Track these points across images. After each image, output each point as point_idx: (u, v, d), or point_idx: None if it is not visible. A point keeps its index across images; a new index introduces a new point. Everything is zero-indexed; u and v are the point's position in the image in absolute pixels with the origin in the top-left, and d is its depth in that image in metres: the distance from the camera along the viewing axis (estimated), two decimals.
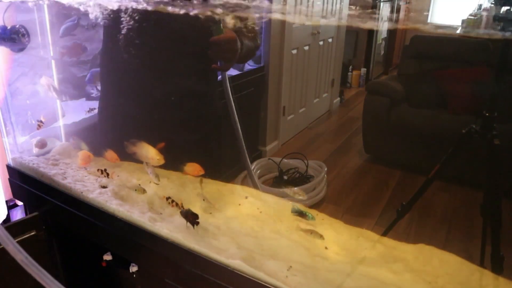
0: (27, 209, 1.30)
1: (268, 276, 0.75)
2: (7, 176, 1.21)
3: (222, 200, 1.02)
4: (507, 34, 0.72)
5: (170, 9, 0.80)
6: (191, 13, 0.81)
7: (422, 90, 3.14)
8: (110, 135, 1.26)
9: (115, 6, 0.98)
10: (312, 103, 4.00)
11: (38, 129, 1.18)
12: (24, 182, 1.16)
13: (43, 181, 1.09)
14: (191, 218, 0.88)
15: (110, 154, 1.12)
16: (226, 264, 0.79)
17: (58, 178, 1.07)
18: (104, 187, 1.04)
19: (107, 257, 1.07)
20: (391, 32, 5.90)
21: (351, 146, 3.59)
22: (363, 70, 5.48)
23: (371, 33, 5.41)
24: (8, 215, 1.41)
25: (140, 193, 1.00)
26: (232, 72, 2.73)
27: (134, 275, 1.02)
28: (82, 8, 0.95)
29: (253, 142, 3.20)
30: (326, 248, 0.86)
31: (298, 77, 3.57)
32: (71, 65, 1.85)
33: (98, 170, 1.08)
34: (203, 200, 0.98)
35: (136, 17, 1.06)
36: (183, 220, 0.89)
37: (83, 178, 1.08)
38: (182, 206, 0.94)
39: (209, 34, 1.01)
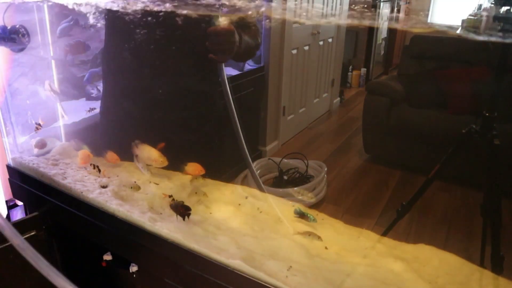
0: (27, 209, 1.30)
1: (268, 276, 0.75)
2: (7, 176, 1.21)
3: (222, 200, 1.02)
4: (507, 35, 0.72)
5: (172, 9, 0.80)
6: (192, 14, 0.81)
7: (422, 90, 3.14)
8: (112, 135, 1.26)
9: (116, 7, 0.98)
10: (312, 103, 4.00)
11: (36, 131, 1.19)
12: (24, 182, 1.16)
13: (43, 181, 1.09)
14: (182, 210, 0.87)
15: (110, 155, 1.12)
16: (226, 264, 0.79)
17: (58, 178, 1.07)
18: (104, 187, 1.04)
19: (107, 257, 1.07)
20: (391, 32, 5.90)
21: (351, 146, 3.59)
22: (363, 70, 5.48)
23: (371, 33, 5.41)
24: (8, 215, 1.41)
25: (135, 190, 1.01)
26: (232, 72, 2.73)
27: (134, 275, 1.02)
28: (83, 9, 0.95)
29: (253, 142, 3.20)
30: (326, 248, 0.86)
31: (298, 77, 3.57)
32: (71, 65, 1.84)
33: (91, 164, 1.09)
34: (196, 193, 0.98)
35: (138, 17, 1.06)
36: (183, 220, 0.89)
37: (83, 178, 1.08)
38: (173, 200, 0.93)
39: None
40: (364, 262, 0.82)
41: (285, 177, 2.77)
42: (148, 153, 1.00)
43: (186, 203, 0.93)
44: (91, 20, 1.00)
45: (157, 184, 1.05)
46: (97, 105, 1.31)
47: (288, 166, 2.85)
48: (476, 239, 1.58)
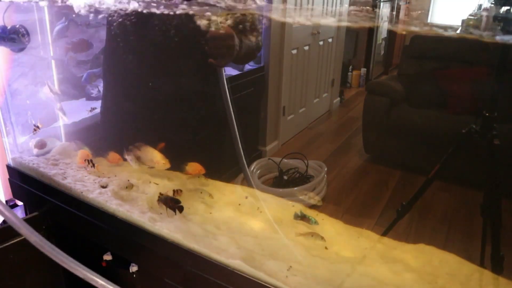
0: (27, 209, 1.30)
1: (268, 276, 0.75)
2: (7, 176, 1.21)
3: (222, 200, 1.02)
4: (506, 36, 0.72)
5: (172, 10, 0.80)
6: (192, 14, 0.81)
7: (422, 90, 3.14)
8: (112, 135, 1.26)
9: (117, 7, 0.98)
10: (312, 103, 4.00)
11: (34, 133, 1.19)
12: (24, 182, 1.16)
13: (43, 181, 1.09)
14: (171, 203, 0.85)
15: (112, 155, 1.12)
16: (226, 264, 0.78)
17: (58, 178, 1.07)
18: (104, 187, 1.04)
19: (107, 257, 1.07)
20: (391, 32, 5.90)
21: (351, 146, 3.59)
22: (363, 70, 5.47)
23: (371, 33, 5.41)
24: None
25: (129, 189, 1.01)
26: (232, 72, 2.73)
27: (134, 275, 1.02)
28: (83, 10, 0.95)
29: (253, 142, 3.19)
30: (326, 248, 0.86)
31: (298, 77, 3.56)
32: (73, 65, 1.84)
33: (85, 160, 1.09)
34: (201, 192, 0.98)
35: (139, 17, 1.06)
36: (183, 220, 0.89)
37: (83, 178, 1.08)
38: (161, 194, 0.92)
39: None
40: (364, 262, 0.82)
41: (285, 177, 2.77)
42: (151, 155, 1.00)
43: (186, 203, 0.93)
44: (87, 19, 0.99)
45: (157, 184, 1.05)
46: (97, 105, 1.31)
47: (288, 166, 2.85)
48: (476, 239, 1.58)
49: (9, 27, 1.13)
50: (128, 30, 1.09)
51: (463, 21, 0.78)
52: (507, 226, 1.41)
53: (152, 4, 0.86)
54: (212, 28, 0.99)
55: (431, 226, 2.40)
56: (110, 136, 1.27)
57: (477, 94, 2.80)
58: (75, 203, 1.02)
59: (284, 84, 3.28)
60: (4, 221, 1.38)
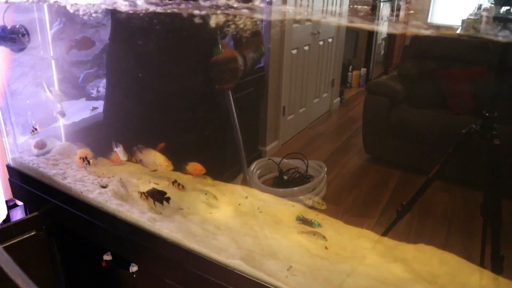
0: (27, 209, 1.30)
1: (268, 276, 0.75)
2: (7, 176, 1.21)
3: (222, 200, 1.01)
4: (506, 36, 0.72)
5: (175, 10, 0.80)
6: (194, 14, 0.81)
7: (422, 90, 3.14)
8: (114, 135, 1.25)
9: (119, 7, 0.97)
10: (312, 103, 4.00)
11: (32, 134, 1.19)
12: (24, 182, 1.16)
13: (43, 181, 1.09)
14: (158, 196, 0.86)
15: (115, 155, 1.12)
16: (226, 264, 0.79)
17: (58, 178, 1.07)
18: (104, 187, 1.04)
19: (107, 257, 1.07)
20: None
21: (351, 146, 3.59)
22: (363, 70, 5.47)
23: (371, 33, 5.40)
24: (8, 215, 1.41)
25: (124, 188, 1.01)
26: None
27: (134, 275, 1.02)
28: (83, 10, 0.95)
29: (253, 142, 3.19)
30: (326, 248, 0.86)
31: (298, 77, 3.56)
32: (72, 65, 1.84)
33: (80, 158, 1.09)
34: (205, 194, 0.98)
35: (142, 19, 1.06)
36: (183, 220, 0.89)
37: (83, 178, 1.08)
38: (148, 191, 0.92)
39: (213, 36, 1.00)
40: (364, 262, 0.82)
41: (285, 177, 2.77)
42: (154, 157, 1.00)
43: (187, 203, 0.93)
44: (84, 19, 0.99)
45: (157, 184, 1.05)
46: (96, 104, 1.31)
47: (288, 166, 2.85)
48: (476, 239, 1.58)
49: (9, 27, 1.13)
50: (131, 30, 1.09)
51: (463, 21, 0.78)
52: (507, 226, 1.41)
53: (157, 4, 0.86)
54: (214, 52, 0.97)
55: (431, 226, 2.40)
56: (113, 135, 1.27)
57: (477, 94, 2.80)
58: (75, 203, 1.02)
59: (284, 84, 3.28)
60: (4, 221, 1.38)
